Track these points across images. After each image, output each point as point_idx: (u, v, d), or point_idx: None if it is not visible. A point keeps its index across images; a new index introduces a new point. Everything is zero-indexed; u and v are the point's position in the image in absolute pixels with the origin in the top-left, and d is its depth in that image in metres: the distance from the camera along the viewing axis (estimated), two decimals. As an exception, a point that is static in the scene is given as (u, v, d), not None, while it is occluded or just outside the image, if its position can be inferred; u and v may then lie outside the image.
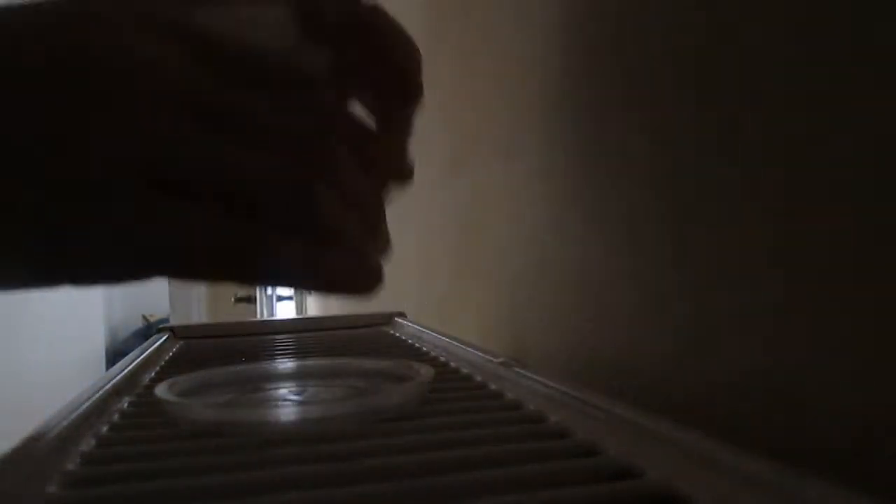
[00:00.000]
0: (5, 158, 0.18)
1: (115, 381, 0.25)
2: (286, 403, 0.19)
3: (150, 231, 0.18)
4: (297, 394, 0.23)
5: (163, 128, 0.18)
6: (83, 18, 0.19)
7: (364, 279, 0.22)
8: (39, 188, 0.18)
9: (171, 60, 0.19)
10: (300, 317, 1.63)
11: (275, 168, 0.19)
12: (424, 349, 0.30)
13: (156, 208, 0.18)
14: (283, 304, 2.15)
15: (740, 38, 0.24)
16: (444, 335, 0.32)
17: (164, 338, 0.38)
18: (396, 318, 0.40)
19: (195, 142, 0.18)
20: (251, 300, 2.23)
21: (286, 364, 0.25)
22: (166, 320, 2.37)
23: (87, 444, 0.17)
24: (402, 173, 0.23)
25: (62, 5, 0.20)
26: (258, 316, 2.12)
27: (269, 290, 2.03)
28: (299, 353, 0.27)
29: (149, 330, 2.96)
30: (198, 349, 0.31)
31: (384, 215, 0.22)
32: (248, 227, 0.18)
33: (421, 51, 0.23)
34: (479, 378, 0.23)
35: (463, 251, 0.48)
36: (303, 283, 0.20)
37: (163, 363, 0.29)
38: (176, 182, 0.18)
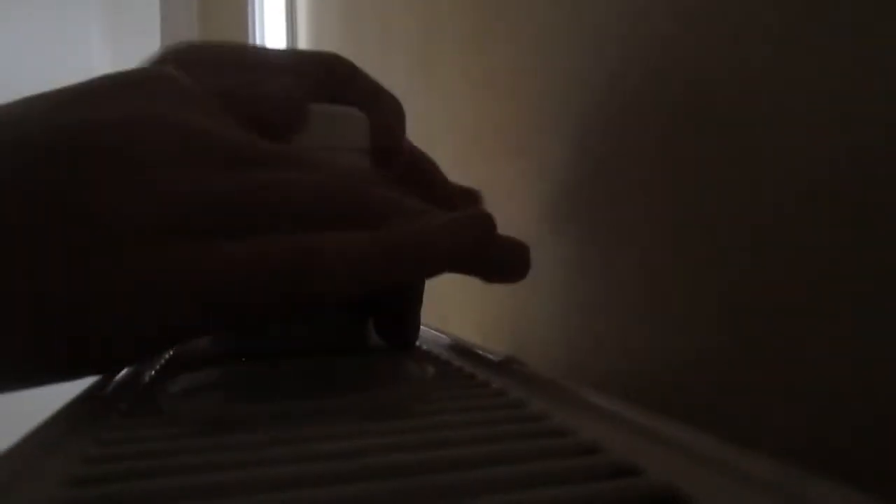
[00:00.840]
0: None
1: (114, 380, 0.25)
2: (286, 401, 0.19)
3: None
4: (298, 392, 0.23)
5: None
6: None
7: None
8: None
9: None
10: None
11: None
12: (424, 348, 0.30)
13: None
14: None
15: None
16: (444, 335, 0.32)
17: (164, 337, 0.38)
18: (396, 318, 0.40)
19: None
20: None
21: (286, 363, 0.25)
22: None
23: (87, 443, 0.17)
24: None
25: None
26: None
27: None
28: (300, 352, 0.27)
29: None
30: (198, 348, 0.31)
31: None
32: None
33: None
34: (479, 377, 0.23)
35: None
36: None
37: (163, 362, 0.29)
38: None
